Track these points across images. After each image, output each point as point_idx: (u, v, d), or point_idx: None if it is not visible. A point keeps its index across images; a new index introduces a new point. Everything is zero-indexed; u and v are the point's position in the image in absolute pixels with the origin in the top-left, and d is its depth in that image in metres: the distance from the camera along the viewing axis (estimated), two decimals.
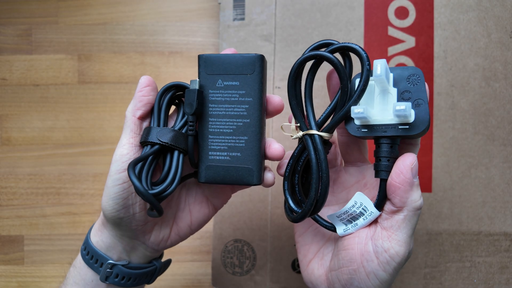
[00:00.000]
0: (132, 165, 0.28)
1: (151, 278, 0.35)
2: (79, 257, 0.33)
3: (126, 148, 0.30)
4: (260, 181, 0.30)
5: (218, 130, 0.30)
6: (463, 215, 0.45)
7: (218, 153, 0.30)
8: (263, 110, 0.30)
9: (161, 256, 0.36)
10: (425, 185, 0.45)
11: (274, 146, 0.30)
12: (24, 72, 0.52)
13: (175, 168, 0.30)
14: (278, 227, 0.46)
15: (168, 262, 0.38)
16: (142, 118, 0.31)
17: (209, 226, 0.51)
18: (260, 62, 0.29)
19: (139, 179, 0.28)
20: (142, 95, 0.31)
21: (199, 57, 0.31)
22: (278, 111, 0.31)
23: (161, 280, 0.52)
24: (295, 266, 0.47)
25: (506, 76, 0.44)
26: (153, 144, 0.30)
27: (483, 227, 0.44)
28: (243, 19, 0.46)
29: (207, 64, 0.30)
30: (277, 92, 0.46)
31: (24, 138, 0.52)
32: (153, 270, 0.34)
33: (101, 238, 0.32)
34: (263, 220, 0.47)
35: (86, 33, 0.52)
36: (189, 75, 0.52)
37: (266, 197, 0.46)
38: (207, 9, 0.52)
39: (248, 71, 0.29)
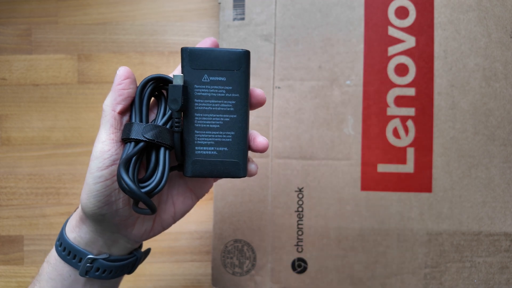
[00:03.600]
0: (124, 166, 0.27)
1: (131, 268, 0.34)
2: (54, 253, 0.32)
3: (107, 145, 0.29)
4: (245, 173, 0.31)
5: (205, 125, 0.30)
6: (463, 215, 0.44)
7: (204, 148, 0.30)
8: (248, 105, 0.31)
9: (140, 246, 0.36)
10: (425, 185, 0.45)
11: (259, 139, 0.31)
12: (24, 72, 0.52)
13: (162, 165, 0.29)
14: (278, 227, 0.46)
15: (148, 251, 0.37)
16: (122, 112, 0.30)
17: (209, 226, 0.51)
18: (247, 58, 0.29)
19: (132, 180, 0.27)
20: (121, 88, 0.29)
21: (183, 50, 0.29)
22: (260, 103, 0.32)
23: (160, 280, 0.52)
24: (295, 266, 0.47)
25: (506, 76, 0.44)
26: (137, 141, 0.28)
27: (484, 227, 0.44)
28: (243, 19, 0.46)
29: (192, 58, 0.29)
30: (277, 92, 0.46)
31: (23, 138, 0.52)
32: (134, 260, 0.34)
33: (79, 234, 0.31)
34: (263, 220, 0.47)
35: (86, 33, 0.52)
36: None
37: (266, 197, 0.46)
38: (207, 9, 0.52)
39: (235, 67, 0.29)
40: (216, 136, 0.30)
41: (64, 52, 0.52)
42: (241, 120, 0.30)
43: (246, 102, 0.30)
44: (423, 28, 0.45)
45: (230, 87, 0.29)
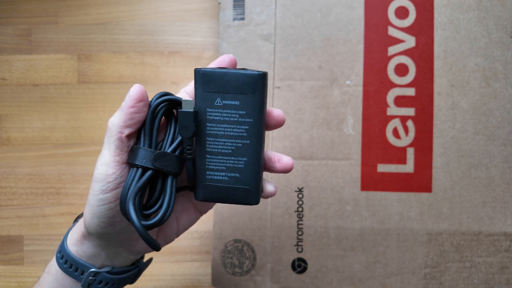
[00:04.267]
0: (133, 201, 0.26)
1: (133, 279, 0.34)
2: (54, 264, 0.32)
3: (112, 167, 0.27)
4: (258, 201, 0.29)
5: (216, 150, 0.29)
6: (463, 215, 0.44)
7: (216, 173, 0.29)
8: (263, 130, 0.29)
9: (142, 256, 0.36)
10: (425, 185, 0.45)
11: (284, 160, 0.30)
12: (24, 72, 0.52)
13: (169, 194, 0.28)
14: (278, 227, 0.46)
15: (149, 261, 0.37)
16: (129, 136, 0.28)
17: (209, 226, 0.51)
18: (262, 81, 0.27)
19: (138, 217, 0.26)
20: (133, 111, 0.27)
21: (196, 72, 0.28)
22: (280, 124, 0.30)
23: (160, 280, 0.52)
24: (295, 266, 0.47)
25: (506, 76, 0.44)
26: (145, 168, 0.27)
27: (483, 227, 0.44)
28: (243, 19, 0.46)
29: (205, 80, 0.28)
30: (277, 92, 0.46)
31: (23, 138, 0.52)
32: (136, 272, 0.34)
33: (81, 248, 0.31)
34: (263, 220, 0.47)
35: (86, 33, 0.52)
36: (189, 75, 0.52)
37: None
38: (207, 9, 0.52)
39: (249, 91, 0.27)
40: (228, 161, 0.29)
41: (64, 52, 0.52)
42: (254, 145, 0.28)
43: (260, 127, 0.28)
44: (423, 28, 0.45)
45: (244, 112, 0.28)
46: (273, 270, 0.47)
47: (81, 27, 0.52)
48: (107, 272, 0.31)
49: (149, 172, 0.27)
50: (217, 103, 0.28)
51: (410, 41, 0.45)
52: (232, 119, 0.28)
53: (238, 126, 0.28)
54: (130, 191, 0.26)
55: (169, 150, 0.28)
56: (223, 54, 0.30)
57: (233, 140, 0.28)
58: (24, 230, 0.52)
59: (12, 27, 0.52)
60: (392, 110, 0.45)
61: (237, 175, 0.29)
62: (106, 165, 0.27)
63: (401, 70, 0.45)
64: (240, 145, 0.28)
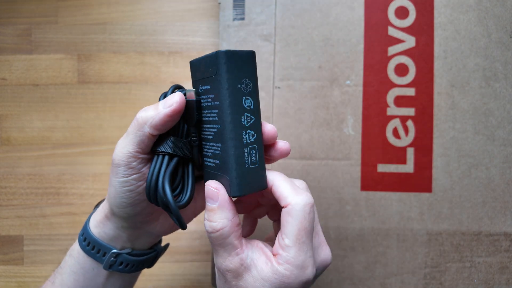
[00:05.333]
0: (169, 182, 0.28)
1: (151, 262, 0.35)
2: (77, 246, 0.33)
3: (134, 156, 0.28)
4: (238, 192, 0.27)
5: (205, 136, 0.29)
6: (463, 215, 0.44)
7: (208, 159, 0.30)
8: (238, 114, 0.27)
9: (160, 241, 0.37)
10: (425, 185, 0.45)
11: (279, 144, 0.29)
12: (24, 72, 0.52)
13: (192, 180, 0.30)
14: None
15: (167, 246, 0.38)
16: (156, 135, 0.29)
17: None
18: (222, 59, 0.26)
19: (172, 198, 0.28)
20: (170, 120, 0.28)
21: (190, 63, 0.30)
22: (271, 139, 0.29)
23: (161, 280, 0.52)
24: None
25: (506, 76, 0.44)
26: (172, 155, 0.29)
27: (483, 227, 0.44)
28: (243, 19, 0.46)
29: (193, 70, 0.29)
30: (277, 92, 0.46)
31: (23, 138, 0.52)
32: (155, 255, 0.35)
33: (103, 229, 0.32)
34: (263, 220, 0.47)
35: (86, 33, 0.52)
36: (189, 75, 0.52)
37: None
38: (207, 9, 0.52)
39: (213, 72, 0.27)
40: (211, 147, 0.29)
41: (64, 52, 0.52)
42: (225, 130, 0.27)
43: (230, 110, 0.26)
44: (423, 28, 0.45)
45: (213, 95, 0.28)
46: None
47: (81, 27, 0.52)
48: (127, 253, 0.32)
49: (176, 159, 0.29)
50: (200, 90, 0.29)
51: (410, 41, 0.45)
52: (208, 104, 0.28)
53: (212, 111, 0.28)
54: (162, 175, 0.28)
55: (183, 138, 0.30)
56: None
57: (212, 126, 0.28)
58: (24, 230, 0.52)
59: (12, 27, 0.52)
60: (392, 110, 0.45)
61: (218, 162, 0.28)
62: (128, 153, 0.28)
63: (401, 70, 0.45)
64: (215, 130, 0.28)
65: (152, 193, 0.28)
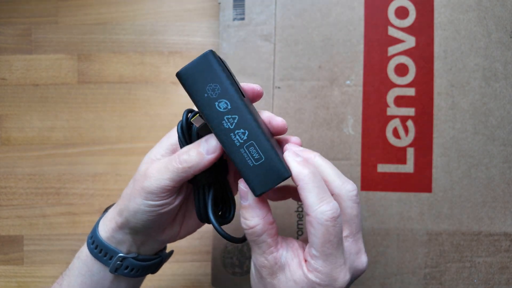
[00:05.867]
0: (212, 211, 0.30)
1: (155, 268, 0.36)
2: (85, 249, 0.34)
3: (171, 190, 0.29)
4: (258, 192, 0.27)
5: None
6: (463, 215, 0.44)
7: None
8: (218, 120, 0.27)
9: (165, 248, 0.38)
10: (425, 185, 0.45)
11: (275, 120, 0.29)
12: (24, 72, 0.52)
13: (231, 197, 0.33)
14: (278, 227, 0.46)
15: (171, 253, 0.39)
16: None
17: (209, 226, 0.51)
18: (180, 82, 0.26)
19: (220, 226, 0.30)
20: (207, 166, 0.28)
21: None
22: (281, 131, 0.30)
23: (161, 280, 0.52)
24: None
25: (506, 76, 0.44)
26: (209, 184, 0.31)
27: (483, 227, 0.44)
28: (243, 19, 0.46)
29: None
30: (277, 92, 0.46)
31: (23, 138, 0.52)
32: (159, 261, 0.36)
33: (112, 234, 0.32)
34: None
35: (86, 33, 0.52)
36: None
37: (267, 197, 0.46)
38: (207, 9, 0.52)
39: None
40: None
41: (64, 52, 0.52)
42: (219, 141, 0.27)
43: (210, 122, 0.27)
44: (423, 28, 0.45)
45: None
46: None
47: (81, 27, 0.52)
48: (133, 258, 0.33)
49: (213, 186, 0.31)
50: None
51: (410, 41, 0.45)
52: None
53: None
54: (209, 207, 0.30)
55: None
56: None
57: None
58: (24, 230, 0.52)
59: (12, 27, 0.52)
60: (392, 110, 0.45)
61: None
62: (166, 187, 0.29)
63: (401, 70, 0.45)
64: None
65: (203, 219, 0.32)
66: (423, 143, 0.45)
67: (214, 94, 0.26)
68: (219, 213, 0.34)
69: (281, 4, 0.46)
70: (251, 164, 0.26)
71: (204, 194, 0.31)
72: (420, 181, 0.45)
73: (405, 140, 0.45)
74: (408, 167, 0.45)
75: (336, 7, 0.45)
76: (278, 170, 0.26)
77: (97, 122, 0.52)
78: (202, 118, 0.27)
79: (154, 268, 0.36)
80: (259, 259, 0.27)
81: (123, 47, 0.52)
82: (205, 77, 0.26)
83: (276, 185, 0.26)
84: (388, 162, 0.45)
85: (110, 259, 0.32)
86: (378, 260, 0.45)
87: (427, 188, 0.45)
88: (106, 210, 0.36)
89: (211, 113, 0.26)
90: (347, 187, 0.27)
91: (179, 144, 0.30)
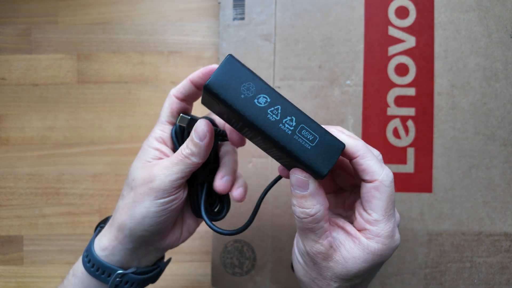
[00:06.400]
0: (205, 210, 0.33)
1: (155, 278, 0.36)
2: (80, 266, 0.33)
3: (181, 184, 0.31)
4: (326, 170, 0.26)
5: (260, 146, 0.31)
6: (463, 215, 0.44)
7: (279, 161, 0.31)
8: (262, 118, 0.26)
9: (163, 256, 0.37)
10: (426, 185, 0.45)
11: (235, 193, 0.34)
12: (24, 72, 0.52)
13: (226, 197, 0.37)
14: (278, 228, 0.46)
15: (169, 261, 0.39)
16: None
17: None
18: (210, 92, 0.26)
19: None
20: (207, 150, 0.31)
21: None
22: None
23: (161, 280, 0.51)
24: None
25: (506, 76, 0.44)
26: (202, 183, 0.34)
27: (484, 228, 0.44)
28: (243, 18, 0.46)
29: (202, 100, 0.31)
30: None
31: (23, 138, 0.52)
32: (158, 271, 0.35)
33: (111, 252, 0.32)
34: (263, 221, 0.46)
35: (86, 33, 0.52)
36: (188, 75, 0.51)
37: (267, 197, 0.46)
38: (207, 8, 0.52)
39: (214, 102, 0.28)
40: (271, 153, 0.30)
41: (63, 52, 0.52)
42: (268, 138, 0.27)
43: (255, 122, 0.26)
44: (424, 28, 0.45)
45: (226, 115, 0.29)
46: (273, 271, 0.47)
47: (80, 27, 0.52)
48: (133, 273, 0.33)
49: (206, 185, 0.34)
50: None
51: (410, 41, 0.45)
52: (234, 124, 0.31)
53: (243, 127, 0.29)
54: (202, 205, 0.33)
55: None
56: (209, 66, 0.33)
57: (256, 139, 0.30)
58: (24, 230, 0.52)
59: (11, 26, 0.52)
60: (392, 110, 0.45)
61: (286, 161, 0.29)
62: (177, 181, 0.30)
63: (402, 70, 0.45)
64: (261, 141, 0.28)
65: (199, 214, 0.34)
66: (424, 143, 0.45)
67: (250, 93, 0.26)
68: (216, 210, 0.36)
69: (281, 4, 0.46)
70: (309, 147, 0.26)
71: (198, 191, 0.33)
72: (420, 181, 0.45)
73: (406, 140, 0.45)
74: (409, 167, 0.45)
75: (336, 7, 0.45)
76: (334, 143, 0.26)
77: (96, 122, 0.52)
78: (243, 122, 0.26)
79: (154, 278, 0.36)
80: (314, 246, 0.27)
81: (123, 47, 0.52)
82: (236, 79, 0.26)
83: (337, 158, 0.26)
84: (388, 162, 0.45)
85: (109, 276, 0.32)
86: None
87: (428, 188, 0.45)
88: (99, 226, 0.36)
89: (254, 111, 0.26)
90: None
91: (174, 148, 0.33)
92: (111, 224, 0.32)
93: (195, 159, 0.30)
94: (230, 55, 0.26)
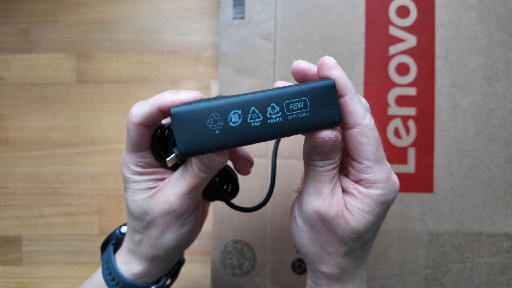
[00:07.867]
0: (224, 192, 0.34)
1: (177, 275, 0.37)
2: (100, 279, 0.32)
3: (197, 200, 0.30)
4: (337, 117, 0.25)
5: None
6: (464, 215, 0.44)
7: None
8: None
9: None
10: (426, 185, 0.45)
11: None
12: (23, 72, 0.52)
13: (234, 176, 0.36)
14: (278, 228, 0.46)
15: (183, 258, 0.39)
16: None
17: (209, 226, 0.51)
18: None
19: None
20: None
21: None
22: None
23: None
24: (295, 267, 0.46)
25: (507, 75, 0.44)
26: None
27: (485, 228, 0.44)
28: (243, 18, 0.46)
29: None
30: None
31: (22, 138, 0.52)
32: (178, 267, 0.36)
33: (147, 274, 0.31)
34: (263, 221, 0.46)
35: (85, 32, 0.52)
36: (188, 75, 0.51)
37: None
38: (207, 7, 0.51)
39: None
40: None
41: (62, 51, 0.52)
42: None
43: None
44: (424, 28, 0.44)
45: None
46: (273, 271, 0.46)
47: (80, 26, 0.52)
48: (165, 282, 0.34)
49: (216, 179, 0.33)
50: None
51: (411, 41, 0.45)
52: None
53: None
54: (222, 192, 0.33)
55: None
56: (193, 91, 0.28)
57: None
58: (23, 231, 0.52)
59: (10, 26, 0.52)
60: (393, 109, 0.45)
61: None
62: (190, 201, 0.29)
63: (402, 69, 0.45)
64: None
65: (211, 197, 0.33)
66: (424, 143, 0.44)
67: (221, 121, 0.24)
68: (228, 190, 0.35)
69: (281, 3, 0.46)
70: (308, 113, 0.25)
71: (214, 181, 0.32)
72: (421, 181, 0.45)
73: (406, 140, 0.45)
74: (409, 167, 0.45)
75: (337, 6, 0.45)
76: (323, 87, 0.25)
77: (96, 122, 0.52)
78: (238, 146, 0.25)
79: (177, 275, 0.36)
80: (322, 206, 0.26)
81: (122, 46, 0.52)
82: (198, 125, 0.24)
83: (337, 96, 0.25)
84: (389, 162, 0.45)
85: None
86: (378, 260, 0.45)
87: (428, 188, 0.44)
88: (106, 243, 0.35)
89: (238, 133, 0.24)
90: None
91: (158, 158, 0.29)
92: (134, 252, 0.31)
93: (206, 176, 0.28)
94: (171, 111, 0.24)
